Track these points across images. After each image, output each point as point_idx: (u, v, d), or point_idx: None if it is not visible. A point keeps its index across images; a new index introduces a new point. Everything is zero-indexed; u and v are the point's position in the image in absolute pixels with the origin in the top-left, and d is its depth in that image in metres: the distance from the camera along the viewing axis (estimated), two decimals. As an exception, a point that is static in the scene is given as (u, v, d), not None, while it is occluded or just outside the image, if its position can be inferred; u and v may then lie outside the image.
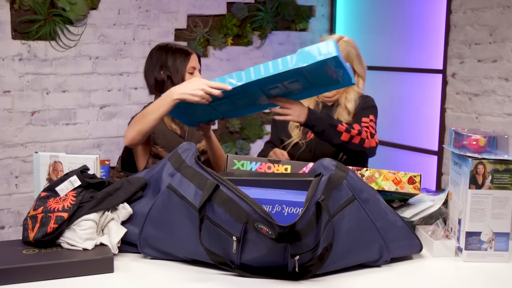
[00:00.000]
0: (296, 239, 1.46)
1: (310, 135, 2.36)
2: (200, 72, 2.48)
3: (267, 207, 1.52)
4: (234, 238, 1.50)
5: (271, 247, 1.48)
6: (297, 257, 1.47)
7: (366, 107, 2.37)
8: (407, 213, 1.83)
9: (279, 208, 1.52)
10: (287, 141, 2.40)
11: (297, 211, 1.51)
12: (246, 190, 1.55)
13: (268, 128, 4.25)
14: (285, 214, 1.51)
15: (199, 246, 1.53)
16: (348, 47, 2.34)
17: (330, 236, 1.49)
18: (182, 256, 1.63)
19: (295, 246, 1.47)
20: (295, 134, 2.40)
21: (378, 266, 1.64)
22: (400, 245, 1.65)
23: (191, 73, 2.42)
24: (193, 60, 2.43)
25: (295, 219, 1.44)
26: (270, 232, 1.44)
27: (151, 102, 2.37)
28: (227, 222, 1.51)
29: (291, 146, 2.38)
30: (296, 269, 1.49)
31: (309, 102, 2.39)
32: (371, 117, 2.35)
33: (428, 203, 1.83)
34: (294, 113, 2.05)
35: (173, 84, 2.38)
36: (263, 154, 2.45)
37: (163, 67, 2.42)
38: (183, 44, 3.84)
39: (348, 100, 2.35)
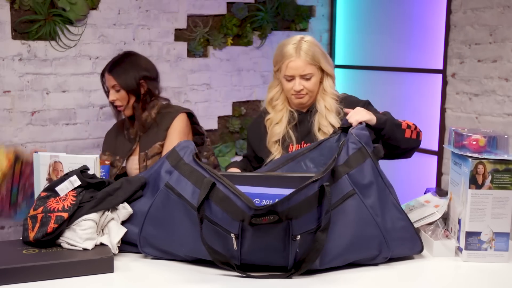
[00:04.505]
0: (297, 212, 1.47)
1: (292, 149, 2.20)
2: (122, 89, 2.62)
3: (267, 201, 1.53)
4: (233, 235, 1.50)
5: (271, 237, 1.49)
6: (298, 237, 1.48)
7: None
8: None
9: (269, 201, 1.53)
10: (269, 159, 2.20)
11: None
12: (245, 189, 1.55)
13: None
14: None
15: (199, 244, 1.53)
16: (313, 46, 2.19)
17: (327, 219, 1.51)
18: (183, 255, 1.63)
19: (296, 226, 1.48)
20: (275, 150, 2.21)
21: (377, 264, 1.64)
22: (401, 244, 1.65)
23: (108, 91, 2.68)
24: (107, 80, 2.67)
25: None
26: (271, 217, 1.45)
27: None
28: (224, 220, 1.51)
29: None
30: (297, 250, 1.49)
31: (282, 113, 2.24)
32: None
33: (431, 210, 1.83)
34: (364, 113, 1.90)
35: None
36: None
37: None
38: (183, 44, 3.85)
39: (330, 110, 2.21)
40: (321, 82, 2.24)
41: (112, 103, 2.69)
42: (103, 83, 2.74)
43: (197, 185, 1.58)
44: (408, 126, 2.07)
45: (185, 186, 1.60)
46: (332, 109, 2.21)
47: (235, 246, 1.51)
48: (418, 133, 2.12)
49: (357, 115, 1.88)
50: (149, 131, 2.66)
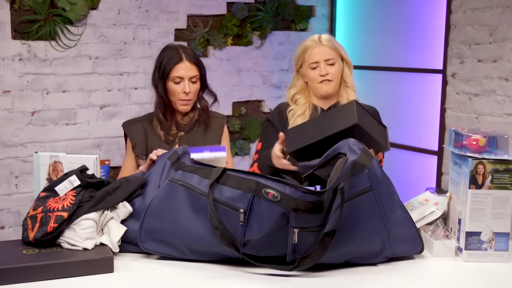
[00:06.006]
0: (304, 208, 1.47)
1: None
2: (199, 81, 2.34)
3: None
4: (242, 210, 1.52)
5: (277, 219, 1.50)
6: (297, 230, 1.49)
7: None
8: None
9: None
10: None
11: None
12: None
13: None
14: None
15: (202, 231, 1.55)
16: (332, 39, 2.33)
17: (335, 221, 1.50)
18: (184, 247, 1.62)
19: (298, 219, 1.48)
20: None
21: (376, 264, 1.64)
22: (402, 244, 1.65)
23: (177, 83, 2.30)
24: (180, 69, 2.30)
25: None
26: (276, 195, 1.47)
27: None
28: (234, 197, 1.54)
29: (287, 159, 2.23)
30: (295, 240, 1.49)
31: (305, 106, 2.31)
32: None
33: (431, 208, 1.83)
34: None
35: (157, 86, 2.34)
36: (261, 164, 2.27)
37: (158, 65, 2.35)
38: (184, 44, 3.85)
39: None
40: (341, 73, 2.33)
41: (167, 97, 2.33)
42: (166, 75, 2.31)
43: (204, 176, 1.62)
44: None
45: (191, 178, 1.63)
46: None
47: (241, 220, 1.52)
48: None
49: None
50: (191, 134, 2.39)
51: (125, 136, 2.45)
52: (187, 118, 2.40)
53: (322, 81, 2.28)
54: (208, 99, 2.44)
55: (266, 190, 1.49)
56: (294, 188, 1.49)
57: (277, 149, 2.09)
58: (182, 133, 2.38)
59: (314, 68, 2.28)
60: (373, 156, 1.62)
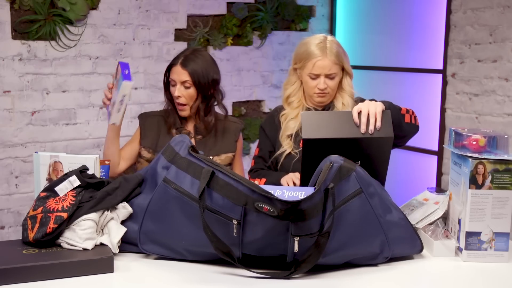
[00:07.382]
0: (300, 218, 1.46)
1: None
2: (193, 87, 2.34)
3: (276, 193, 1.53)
4: (235, 221, 1.50)
5: (273, 226, 1.48)
6: (297, 238, 1.48)
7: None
8: (411, 218, 1.82)
9: (279, 192, 1.53)
10: (278, 152, 2.29)
11: (297, 195, 1.52)
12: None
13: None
14: (286, 197, 1.52)
15: (200, 235, 1.53)
16: (337, 46, 2.24)
17: (330, 223, 1.50)
18: (183, 249, 1.62)
19: (297, 227, 1.48)
20: (287, 144, 2.27)
21: (376, 264, 1.64)
22: (401, 244, 1.66)
23: (173, 86, 2.37)
24: (173, 73, 2.37)
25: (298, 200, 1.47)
26: (272, 210, 1.45)
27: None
28: (226, 206, 1.52)
29: (283, 157, 2.26)
30: (296, 249, 1.49)
31: (298, 110, 2.28)
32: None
33: (433, 207, 1.83)
34: (373, 107, 1.81)
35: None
36: (256, 171, 2.35)
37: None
38: (183, 44, 3.85)
39: (346, 106, 2.26)
40: (339, 81, 2.28)
41: (172, 99, 2.41)
42: (168, 75, 2.43)
43: (195, 176, 1.59)
44: (407, 111, 2.08)
45: (184, 179, 1.61)
46: (349, 105, 2.26)
47: (235, 232, 1.51)
48: (416, 118, 2.13)
49: (371, 107, 1.83)
50: (208, 137, 2.42)
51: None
52: (204, 122, 2.41)
53: (318, 93, 2.24)
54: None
55: (259, 205, 1.47)
56: (284, 202, 1.46)
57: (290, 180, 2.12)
58: (199, 136, 2.42)
59: (313, 79, 2.23)
60: (356, 164, 1.63)
